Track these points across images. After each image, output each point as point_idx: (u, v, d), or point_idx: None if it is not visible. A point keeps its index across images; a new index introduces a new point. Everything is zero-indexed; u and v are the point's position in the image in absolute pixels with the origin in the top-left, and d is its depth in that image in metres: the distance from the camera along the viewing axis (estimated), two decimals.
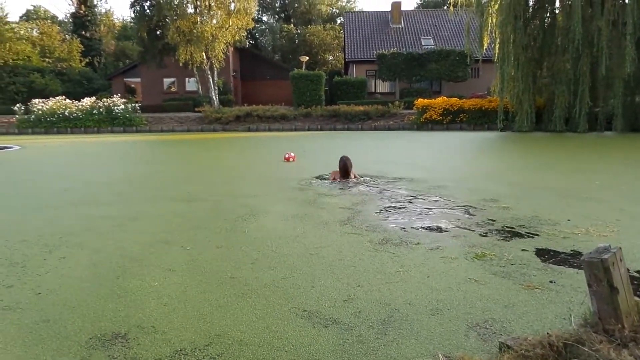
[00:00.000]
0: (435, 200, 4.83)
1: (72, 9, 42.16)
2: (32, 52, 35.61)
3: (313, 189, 5.72)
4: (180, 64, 25.05)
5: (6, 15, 34.47)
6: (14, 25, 35.19)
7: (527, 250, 3.10)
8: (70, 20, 44.46)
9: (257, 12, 37.57)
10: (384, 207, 4.54)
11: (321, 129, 23.20)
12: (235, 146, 14.38)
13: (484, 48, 20.00)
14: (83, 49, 38.69)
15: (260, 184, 6.21)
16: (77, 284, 2.61)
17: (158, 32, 26.34)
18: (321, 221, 3.97)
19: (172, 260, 2.98)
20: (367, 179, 6.32)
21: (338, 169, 6.24)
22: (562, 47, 17.27)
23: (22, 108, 24.31)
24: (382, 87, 30.89)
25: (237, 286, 2.53)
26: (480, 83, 28.86)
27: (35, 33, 39.11)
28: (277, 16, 50.72)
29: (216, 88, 27.14)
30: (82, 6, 40.65)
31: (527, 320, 2.11)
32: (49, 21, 43.55)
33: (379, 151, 11.35)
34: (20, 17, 48.03)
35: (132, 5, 26.00)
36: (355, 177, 6.26)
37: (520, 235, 3.46)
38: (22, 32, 36.39)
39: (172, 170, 8.26)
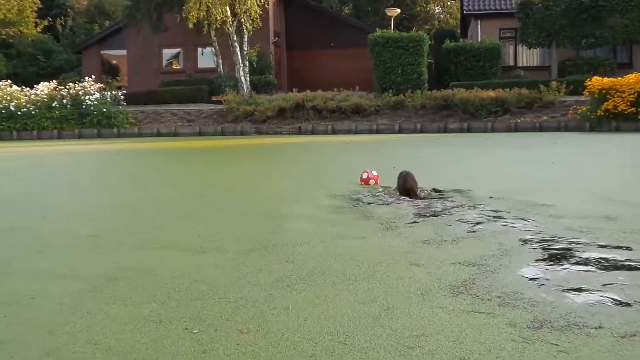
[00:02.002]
0: (623, 252, 4.68)
1: None
2: None
3: (402, 231, 5.68)
4: (190, 26, 25.98)
5: None
6: None
7: None
8: None
9: None
10: (529, 261, 4.45)
11: (421, 131, 23.09)
12: (277, 159, 14.57)
13: None
14: (40, 5, 41.25)
15: (315, 223, 6.23)
16: None
17: None
18: (419, 287, 3.90)
19: (171, 352, 3.01)
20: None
21: (397, 188, 7.62)
22: None
23: None
24: (528, 57, 30.39)
25: None
26: None
27: None
28: None
29: (247, 63, 27.87)
30: None
31: None
32: None
33: (525, 169, 11.05)
34: None
35: None
36: (419, 197, 7.39)
37: None
38: None
39: (174, 200, 8.46)
